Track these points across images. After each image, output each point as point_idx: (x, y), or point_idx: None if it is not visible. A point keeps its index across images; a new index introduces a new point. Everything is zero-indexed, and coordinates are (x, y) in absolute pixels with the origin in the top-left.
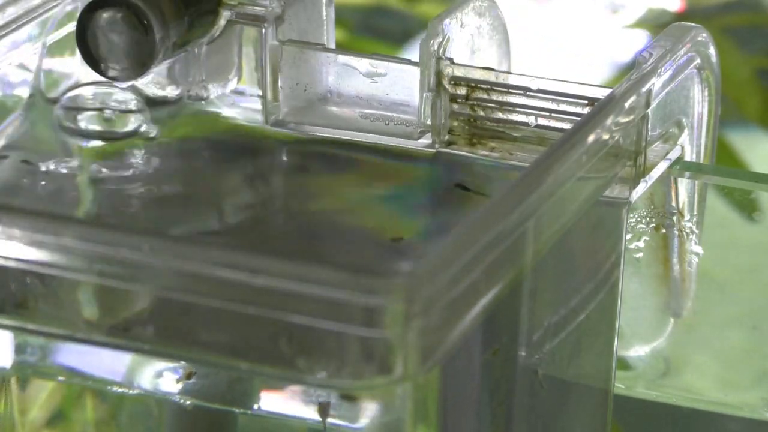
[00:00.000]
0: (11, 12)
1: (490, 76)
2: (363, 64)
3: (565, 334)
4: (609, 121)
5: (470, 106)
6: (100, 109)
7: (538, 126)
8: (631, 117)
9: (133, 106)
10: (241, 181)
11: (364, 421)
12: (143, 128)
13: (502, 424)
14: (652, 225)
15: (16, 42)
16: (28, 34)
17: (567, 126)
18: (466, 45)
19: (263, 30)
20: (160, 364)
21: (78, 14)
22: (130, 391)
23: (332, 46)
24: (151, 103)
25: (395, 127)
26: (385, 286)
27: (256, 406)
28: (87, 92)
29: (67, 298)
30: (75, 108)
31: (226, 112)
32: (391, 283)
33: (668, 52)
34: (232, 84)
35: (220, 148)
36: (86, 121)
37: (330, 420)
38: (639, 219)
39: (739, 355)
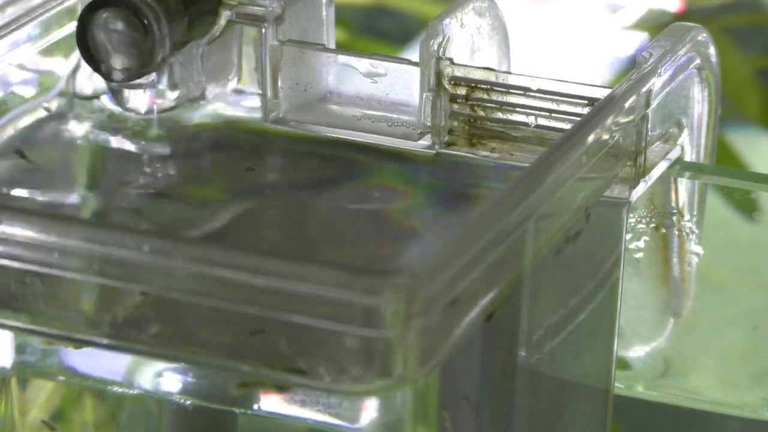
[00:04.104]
0: (11, 12)
1: (490, 76)
2: (363, 64)
3: (565, 334)
4: (609, 121)
5: (470, 107)
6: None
7: (538, 126)
8: (631, 117)
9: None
10: (238, 180)
11: (364, 421)
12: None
13: (502, 425)
14: (652, 225)
15: (16, 42)
16: (28, 34)
17: (567, 126)
18: (466, 45)
19: (263, 30)
20: (160, 364)
21: (78, 14)
22: (130, 391)
23: (332, 46)
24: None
25: (395, 128)
26: (385, 286)
27: (256, 406)
28: None
29: (67, 298)
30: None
31: (226, 110)
32: (391, 283)
33: (668, 52)
34: (232, 84)
35: (218, 147)
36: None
37: (330, 420)
38: (639, 219)
39: (739, 355)
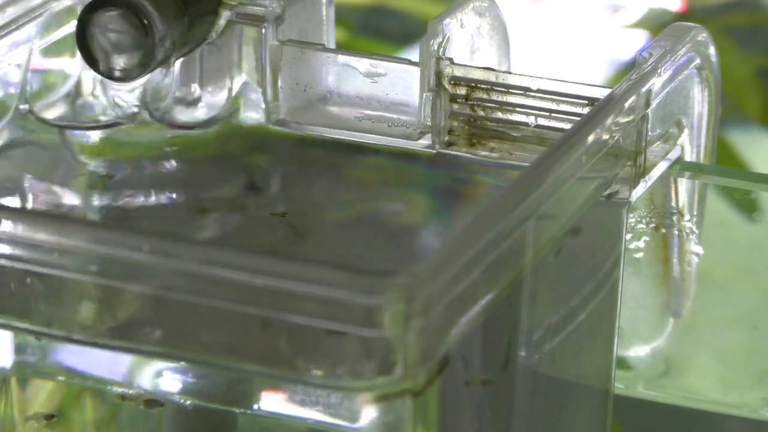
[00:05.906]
0: (11, 12)
1: (490, 76)
2: (363, 64)
3: (565, 334)
4: (609, 121)
5: (470, 106)
6: None
7: (538, 126)
8: (631, 117)
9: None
10: (239, 181)
11: (364, 421)
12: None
13: (502, 425)
14: (652, 225)
15: (16, 42)
16: (28, 34)
17: (567, 126)
18: (466, 45)
19: (263, 30)
20: (160, 364)
21: (78, 14)
22: (130, 391)
23: (332, 46)
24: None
25: (395, 128)
26: (385, 286)
27: (256, 406)
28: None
29: (67, 298)
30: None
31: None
32: (391, 283)
33: (668, 52)
34: (233, 84)
35: (218, 148)
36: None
37: (330, 420)
38: (639, 219)
39: (739, 355)
